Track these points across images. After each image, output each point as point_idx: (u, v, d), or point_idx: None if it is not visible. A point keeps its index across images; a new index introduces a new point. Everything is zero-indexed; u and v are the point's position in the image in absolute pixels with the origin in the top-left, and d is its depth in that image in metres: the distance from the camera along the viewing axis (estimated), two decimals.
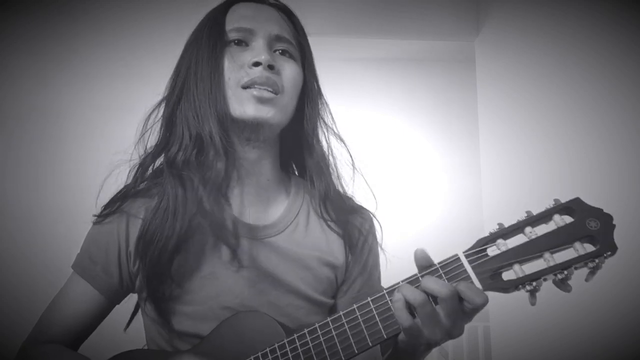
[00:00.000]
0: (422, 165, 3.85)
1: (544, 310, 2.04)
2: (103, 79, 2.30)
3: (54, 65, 2.29)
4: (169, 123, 0.93)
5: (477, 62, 2.71)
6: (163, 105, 0.95)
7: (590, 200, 0.71)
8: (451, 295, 0.66)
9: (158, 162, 0.94)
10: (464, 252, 0.71)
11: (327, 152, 0.98)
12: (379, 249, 1.01)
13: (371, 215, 1.01)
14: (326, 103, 1.00)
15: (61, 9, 2.32)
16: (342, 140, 0.99)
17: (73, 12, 2.33)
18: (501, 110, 2.47)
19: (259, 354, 0.77)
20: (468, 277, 0.69)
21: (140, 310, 0.97)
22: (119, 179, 0.95)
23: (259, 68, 0.87)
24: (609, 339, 1.66)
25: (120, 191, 0.93)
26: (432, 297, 0.68)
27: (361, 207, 1.01)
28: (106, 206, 0.93)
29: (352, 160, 0.98)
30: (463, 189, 3.29)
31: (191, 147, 0.88)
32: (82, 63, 2.31)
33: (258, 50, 0.88)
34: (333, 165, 0.98)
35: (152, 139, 0.95)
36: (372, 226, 1.01)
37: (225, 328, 0.83)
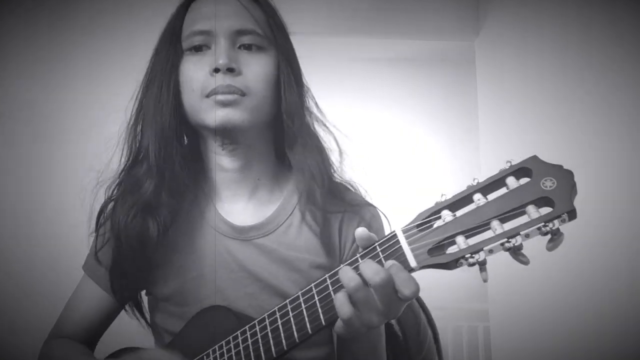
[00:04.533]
0: (422, 165, 3.85)
1: (544, 311, 2.04)
2: (103, 78, 2.29)
3: (53, 64, 2.29)
4: (131, 140, 0.94)
5: (477, 62, 2.71)
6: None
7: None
8: (382, 283, 0.62)
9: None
10: (402, 228, 0.65)
11: (313, 141, 0.93)
12: None
13: (375, 212, 0.95)
14: (308, 88, 0.95)
15: (60, 9, 2.32)
16: (327, 127, 0.95)
17: (72, 11, 2.33)
18: (501, 110, 2.47)
19: (216, 346, 0.78)
20: (403, 255, 0.63)
21: (150, 314, 0.99)
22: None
23: (219, 75, 0.83)
24: (609, 339, 1.66)
25: (102, 206, 0.95)
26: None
27: (366, 204, 0.96)
28: (97, 222, 0.95)
29: (339, 148, 0.93)
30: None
31: (132, 163, 0.90)
32: (81, 63, 2.30)
33: (218, 54, 0.84)
34: (323, 154, 0.93)
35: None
36: (372, 225, 0.94)
37: (192, 324, 0.85)
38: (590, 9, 1.82)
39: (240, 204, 0.92)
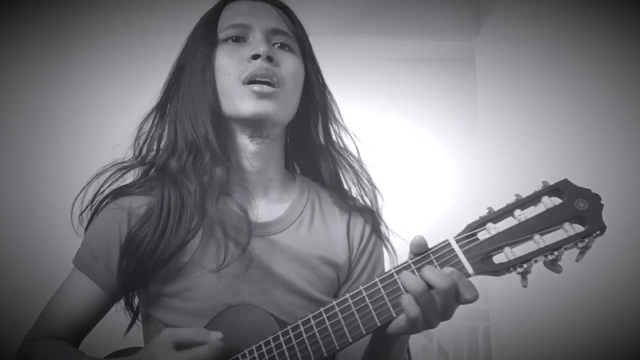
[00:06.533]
0: (422, 165, 3.85)
1: (544, 311, 2.04)
2: (104, 78, 2.30)
3: (54, 65, 2.29)
4: (162, 128, 0.95)
5: (477, 62, 2.71)
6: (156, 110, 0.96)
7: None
8: (449, 288, 0.68)
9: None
10: (454, 237, 0.72)
11: (337, 148, 0.99)
12: (387, 246, 1.00)
13: (374, 216, 0.99)
14: (332, 96, 1.01)
15: (61, 10, 2.33)
16: (350, 135, 1.00)
17: (73, 12, 2.33)
18: (501, 109, 2.48)
19: (253, 347, 0.76)
20: (459, 262, 0.70)
21: (140, 315, 0.96)
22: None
23: (258, 60, 0.87)
24: (608, 339, 1.66)
25: (115, 190, 0.93)
26: (429, 286, 0.70)
27: (365, 208, 1.00)
28: (99, 202, 0.93)
29: (359, 156, 0.99)
30: (463, 189, 3.29)
31: (186, 154, 0.89)
32: (82, 63, 2.31)
33: (256, 43, 0.89)
34: (335, 158, 0.99)
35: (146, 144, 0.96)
36: (374, 228, 0.99)
37: (219, 322, 0.82)
38: (590, 9, 1.82)
39: (255, 202, 0.93)
